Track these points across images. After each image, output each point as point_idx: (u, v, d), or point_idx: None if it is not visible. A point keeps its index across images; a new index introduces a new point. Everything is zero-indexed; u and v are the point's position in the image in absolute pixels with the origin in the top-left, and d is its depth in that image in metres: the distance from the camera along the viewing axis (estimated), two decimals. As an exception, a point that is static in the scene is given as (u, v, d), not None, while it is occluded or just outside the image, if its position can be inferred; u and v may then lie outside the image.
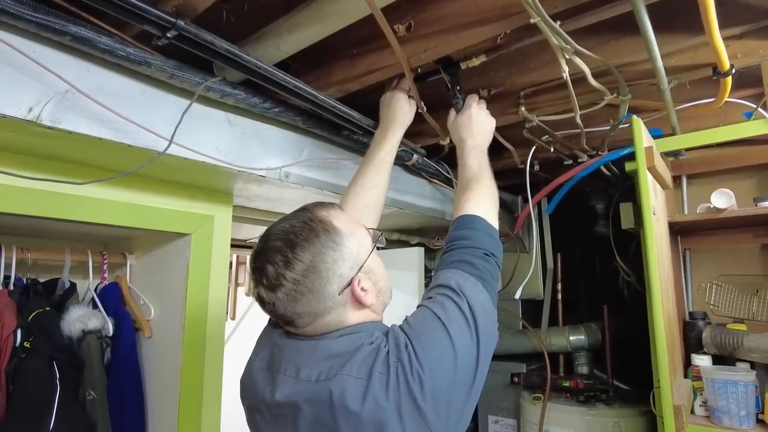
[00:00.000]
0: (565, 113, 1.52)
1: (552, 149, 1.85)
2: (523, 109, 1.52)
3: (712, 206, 1.61)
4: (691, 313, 1.76)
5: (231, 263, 3.81)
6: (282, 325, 0.90)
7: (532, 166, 1.94)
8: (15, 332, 1.26)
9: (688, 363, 1.65)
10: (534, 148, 1.77)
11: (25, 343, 1.26)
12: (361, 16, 1.06)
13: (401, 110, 1.35)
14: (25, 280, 1.40)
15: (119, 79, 1.03)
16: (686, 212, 1.94)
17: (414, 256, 2.27)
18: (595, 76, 1.31)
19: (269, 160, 1.33)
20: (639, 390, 2.03)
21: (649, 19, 1.05)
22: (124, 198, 1.27)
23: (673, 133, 1.67)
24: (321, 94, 1.24)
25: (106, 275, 1.56)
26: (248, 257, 3.70)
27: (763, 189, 1.82)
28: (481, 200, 1.08)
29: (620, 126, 1.56)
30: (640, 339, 1.79)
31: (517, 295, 1.91)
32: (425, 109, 1.44)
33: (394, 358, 0.77)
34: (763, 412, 1.44)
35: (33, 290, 1.40)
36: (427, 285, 2.72)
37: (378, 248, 0.96)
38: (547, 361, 2.17)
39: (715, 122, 1.67)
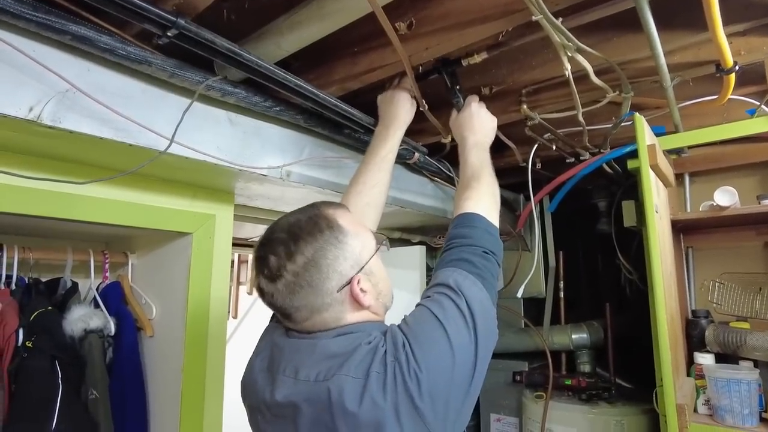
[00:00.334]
0: (567, 111, 1.51)
1: (554, 147, 1.84)
2: (525, 107, 1.51)
3: (715, 204, 1.60)
4: (693, 312, 1.75)
5: (232, 262, 3.81)
6: (281, 320, 0.90)
7: (534, 164, 1.94)
8: (17, 332, 1.26)
9: (690, 361, 1.64)
10: (536, 146, 1.77)
11: (27, 343, 1.26)
12: (363, 14, 1.06)
13: (404, 108, 1.35)
14: (27, 280, 1.40)
15: (120, 79, 1.03)
16: (689, 210, 1.93)
17: (415, 254, 2.27)
18: (597, 73, 1.30)
19: (270, 159, 1.33)
20: (641, 388, 2.03)
21: (652, 16, 1.04)
22: (125, 197, 1.26)
23: (676, 131, 1.66)
24: (322, 93, 1.24)
25: (107, 274, 1.56)
26: (250, 255, 3.71)
27: (766, 186, 1.81)
28: (482, 198, 1.07)
29: (622, 124, 1.56)
30: (643, 337, 1.79)
31: (519, 294, 1.90)
32: (426, 107, 1.44)
33: (391, 358, 0.77)
34: (766, 411, 1.43)
35: (35, 290, 1.40)
36: (428, 284, 2.72)
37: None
38: (549, 360, 2.17)
39: (718, 120, 1.66)
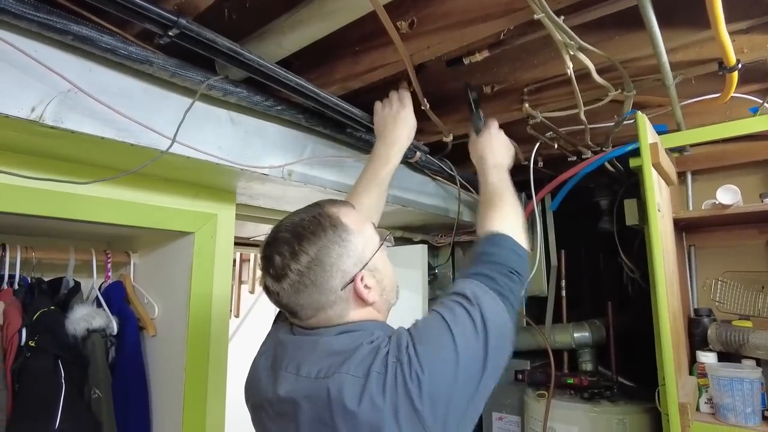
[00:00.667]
0: (569, 110, 1.51)
1: (556, 146, 1.84)
2: (526, 105, 1.51)
3: (717, 202, 1.60)
4: (696, 310, 1.75)
5: (234, 261, 3.82)
6: (288, 317, 0.91)
7: (536, 162, 1.93)
8: (20, 331, 1.26)
9: (693, 360, 1.64)
10: (538, 144, 1.76)
11: (30, 342, 1.26)
12: (364, 12, 1.06)
13: (407, 128, 1.32)
14: (29, 280, 1.40)
15: (121, 78, 1.03)
16: (691, 208, 1.93)
17: (417, 253, 2.27)
18: (599, 71, 1.30)
19: (272, 159, 1.33)
20: (644, 387, 2.02)
21: (655, 14, 1.04)
22: (127, 197, 1.27)
23: (678, 129, 1.66)
24: (323, 92, 1.24)
25: (110, 274, 1.56)
26: (252, 254, 3.71)
27: (768, 185, 1.81)
28: (506, 218, 1.04)
29: (625, 122, 1.55)
30: (645, 336, 1.79)
31: (522, 293, 1.90)
32: (428, 106, 1.44)
33: (393, 359, 0.76)
34: (769, 409, 1.43)
35: (38, 289, 1.40)
36: (430, 282, 2.73)
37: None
38: (551, 358, 2.16)
39: (721, 118, 1.65)
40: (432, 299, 2.68)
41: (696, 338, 1.64)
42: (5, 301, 1.30)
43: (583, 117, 1.49)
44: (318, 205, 0.91)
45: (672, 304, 1.35)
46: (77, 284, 1.49)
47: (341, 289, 0.83)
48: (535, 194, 1.89)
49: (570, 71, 1.21)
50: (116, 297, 1.52)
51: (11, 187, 1.05)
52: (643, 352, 1.86)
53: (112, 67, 1.01)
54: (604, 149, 1.85)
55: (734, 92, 1.41)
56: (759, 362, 1.52)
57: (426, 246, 2.33)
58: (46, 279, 1.45)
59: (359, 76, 1.32)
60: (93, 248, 1.52)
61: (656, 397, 1.54)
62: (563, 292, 2.36)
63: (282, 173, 1.35)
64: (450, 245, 2.53)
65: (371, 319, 0.88)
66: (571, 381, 2.12)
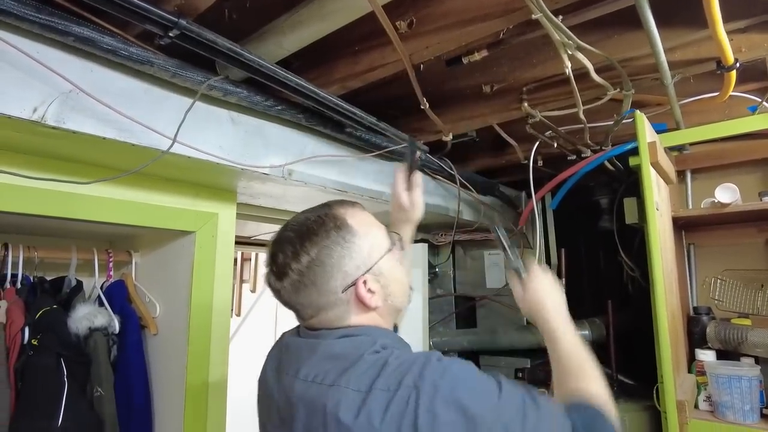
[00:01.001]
0: (568, 108, 1.52)
1: (555, 145, 1.84)
2: (525, 104, 1.52)
3: (716, 201, 1.60)
4: (695, 308, 1.76)
5: (236, 260, 3.83)
6: (295, 317, 0.90)
7: (535, 161, 1.94)
8: (23, 330, 1.27)
9: (692, 358, 1.65)
10: (537, 143, 1.77)
11: (33, 341, 1.27)
12: (363, 13, 1.07)
13: (418, 209, 1.21)
14: (32, 279, 1.41)
15: (122, 79, 1.04)
16: (690, 207, 1.93)
17: (418, 252, 2.27)
18: (598, 71, 1.30)
19: (272, 158, 1.33)
20: (643, 385, 2.03)
21: (653, 14, 1.04)
22: (129, 197, 1.27)
23: (677, 128, 1.66)
24: (322, 92, 1.25)
25: (111, 273, 1.57)
26: (253, 253, 3.72)
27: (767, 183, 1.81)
28: (601, 388, 0.84)
29: (624, 121, 1.56)
30: (645, 334, 1.79)
31: (521, 291, 1.90)
32: (427, 105, 1.44)
33: (410, 382, 0.69)
34: (767, 407, 1.44)
35: (40, 288, 1.41)
36: (431, 281, 2.73)
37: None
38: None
39: (720, 116, 1.66)
40: (432, 298, 2.69)
41: (695, 336, 1.65)
42: (8, 300, 1.31)
43: (582, 116, 1.50)
44: (327, 205, 0.88)
45: (670, 302, 1.35)
46: (79, 283, 1.50)
47: (342, 292, 0.81)
48: (535, 193, 1.90)
49: (568, 70, 1.21)
50: (118, 296, 1.53)
51: (14, 187, 1.05)
52: (643, 350, 1.86)
53: (113, 67, 1.02)
54: (603, 148, 1.85)
55: (733, 91, 1.41)
56: (757, 360, 1.53)
57: (426, 245, 2.33)
58: (48, 278, 1.45)
59: (359, 76, 1.33)
60: (95, 247, 1.52)
61: (654, 395, 1.55)
62: (563, 291, 2.37)
63: (282, 173, 1.36)
64: (450, 244, 2.54)
65: (374, 325, 0.84)
66: (571, 379, 2.13)
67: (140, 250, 1.64)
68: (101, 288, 1.52)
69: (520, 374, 2.34)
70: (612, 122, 1.61)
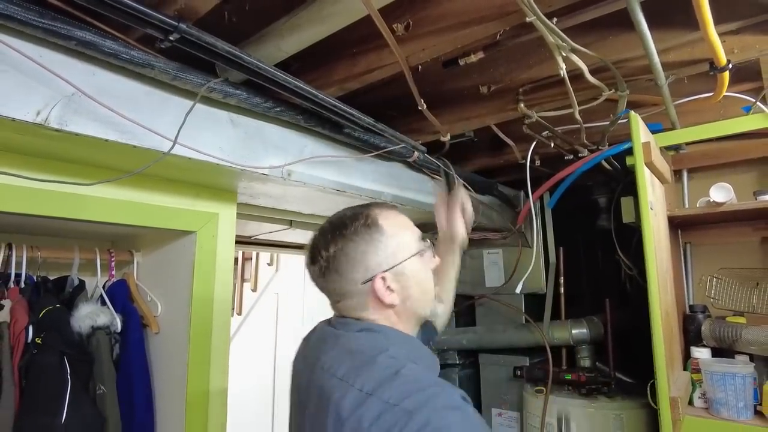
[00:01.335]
0: (564, 109, 1.53)
1: (552, 144, 1.86)
2: (522, 105, 1.53)
3: (711, 200, 1.62)
4: (691, 306, 1.77)
5: (237, 259, 3.85)
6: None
7: (533, 161, 1.96)
8: (27, 328, 1.29)
9: (688, 356, 1.66)
10: (534, 143, 1.79)
11: (36, 339, 1.29)
12: (361, 16, 1.08)
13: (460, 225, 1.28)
14: (35, 278, 1.43)
15: (124, 82, 1.06)
16: (687, 206, 1.94)
17: (417, 251, 2.29)
18: (594, 71, 1.32)
19: (272, 159, 1.35)
20: (641, 383, 2.04)
21: (647, 15, 1.06)
22: (130, 197, 1.29)
23: (673, 128, 1.68)
24: (321, 93, 1.26)
25: (114, 273, 1.59)
26: (254, 252, 3.74)
27: (763, 182, 1.83)
28: None
29: (619, 121, 1.57)
30: (643, 332, 1.81)
31: (518, 290, 1.93)
32: (425, 106, 1.46)
33: (410, 406, 0.69)
34: (761, 404, 1.45)
35: (43, 288, 1.43)
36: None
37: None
38: (549, 354, 2.19)
39: (715, 116, 1.67)
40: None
41: (691, 334, 1.67)
42: (12, 299, 1.33)
43: (578, 116, 1.51)
44: (366, 205, 0.95)
45: (664, 300, 1.37)
46: (82, 283, 1.52)
47: (362, 283, 0.86)
48: (533, 193, 1.92)
49: (563, 72, 1.23)
50: (120, 295, 1.55)
51: (18, 188, 1.07)
52: (641, 349, 1.88)
53: (114, 70, 1.04)
54: (600, 148, 1.87)
55: (728, 91, 1.43)
56: (752, 358, 1.55)
57: (425, 244, 2.35)
58: (51, 278, 1.48)
59: (357, 78, 1.35)
60: (97, 247, 1.54)
61: (648, 392, 1.56)
62: (561, 289, 2.39)
63: (282, 173, 1.38)
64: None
65: (391, 326, 0.88)
66: (569, 377, 2.15)
67: (142, 250, 1.66)
68: (103, 287, 1.54)
69: (519, 372, 2.36)
70: (608, 122, 1.63)
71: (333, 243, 0.88)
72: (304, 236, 2.50)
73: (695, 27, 1.12)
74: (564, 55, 1.16)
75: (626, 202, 1.98)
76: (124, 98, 1.04)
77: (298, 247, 2.85)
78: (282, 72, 1.16)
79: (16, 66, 0.90)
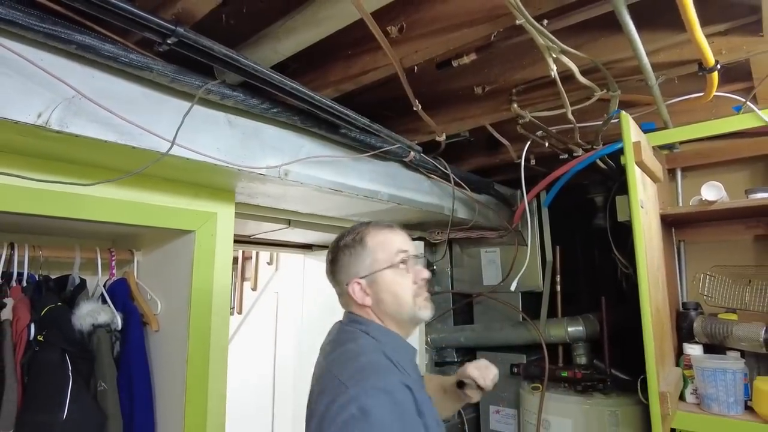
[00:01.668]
0: (557, 109, 1.55)
1: (547, 144, 1.88)
2: (515, 105, 1.55)
3: (702, 199, 1.64)
4: (684, 304, 1.79)
5: (237, 259, 3.88)
6: None
7: (528, 160, 1.97)
8: (29, 326, 1.32)
9: (681, 353, 1.68)
10: (528, 143, 1.81)
11: (38, 337, 1.31)
12: (355, 18, 1.11)
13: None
14: (37, 277, 1.45)
15: (123, 84, 1.08)
16: (681, 204, 1.96)
17: (414, 250, 2.31)
18: (586, 72, 1.34)
19: (269, 159, 1.37)
20: (637, 379, 2.06)
21: (636, 17, 1.08)
22: (130, 197, 1.32)
23: (666, 127, 1.70)
24: (317, 95, 1.29)
25: (114, 272, 1.61)
26: (254, 252, 3.77)
27: (756, 181, 1.84)
28: None
29: (612, 121, 1.59)
30: (638, 330, 1.82)
31: (513, 287, 1.95)
32: (420, 107, 1.48)
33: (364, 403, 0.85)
34: (751, 399, 1.47)
35: (45, 286, 1.45)
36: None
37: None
38: (545, 352, 2.21)
39: (707, 116, 1.69)
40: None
41: (683, 331, 1.69)
42: (14, 297, 1.36)
43: (570, 116, 1.53)
44: (367, 223, 1.14)
45: (655, 296, 1.39)
46: (83, 281, 1.54)
47: (345, 285, 1.09)
48: (528, 192, 1.94)
49: (554, 73, 1.25)
50: (121, 293, 1.57)
51: (20, 188, 1.10)
52: (636, 346, 1.90)
53: (114, 73, 1.06)
54: (594, 147, 1.89)
55: (719, 91, 1.45)
56: (743, 354, 1.57)
57: (423, 243, 2.37)
58: (53, 276, 1.50)
59: (352, 79, 1.37)
60: (98, 247, 1.57)
61: (638, 387, 1.58)
62: (558, 288, 2.41)
63: (279, 173, 1.40)
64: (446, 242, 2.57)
65: (372, 320, 1.07)
66: (565, 374, 2.17)
67: (142, 249, 1.69)
68: (104, 286, 1.57)
69: (515, 369, 2.38)
70: (601, 122, 1.65)
71: (333, 251, 1.13)
72: (303, 235, 2.53)
73: (683, 28, 1.14)
74: (554, 56, 1.18)
75: (621, 201, 1.99)
76: (123, 100, 1.07)
77: (297, 246, 2.88)
78: (278, 74, 1.18)
79: (17, 69, 0.92)
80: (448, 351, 2.76)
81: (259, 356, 3.46)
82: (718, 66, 1.25)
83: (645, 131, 1.63)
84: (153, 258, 1.65)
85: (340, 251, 1.10)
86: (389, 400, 0.85)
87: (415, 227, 2.50)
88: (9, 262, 1.38)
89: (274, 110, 1.34)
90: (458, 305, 2.75)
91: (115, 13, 0.91)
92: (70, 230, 1.55)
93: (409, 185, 1.91)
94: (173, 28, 0.98)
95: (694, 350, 1.60)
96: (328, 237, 1.96)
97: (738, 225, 1.80)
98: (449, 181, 1.98)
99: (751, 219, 1.77)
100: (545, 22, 1.15)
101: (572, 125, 1.65)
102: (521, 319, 2.50)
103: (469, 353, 2.78)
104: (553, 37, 1.10)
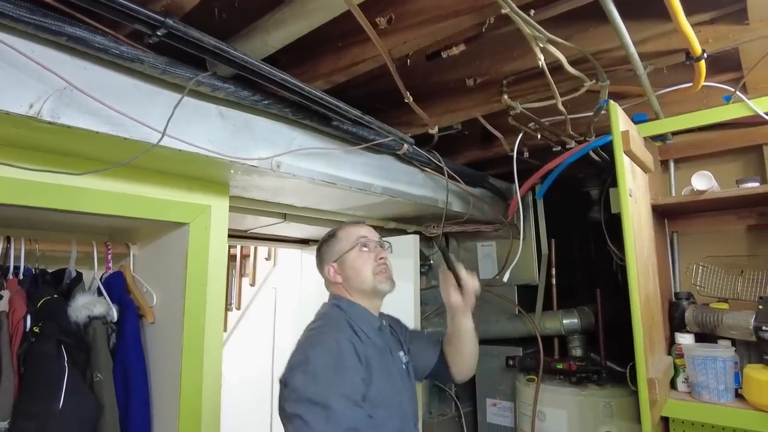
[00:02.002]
0: (547, 100, 1.56)
1: (539, 136, 1.89)
2: (505, 96, 1.56)
3: (693, 189, 1.65)
4: (676, 294, 1.80)
5: (235, 255, 3.89)
6: None
7: (521, 153, 1.98)
8: (25, 318, 1.33)
9: (673, 342, 1.69)
10: (521, 135, 1.82)
11: (34, 328, 1.33)
12: (343, 10, 1.12)
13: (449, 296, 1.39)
14: (33, 270, 1.47)
15: (114, 76, 1.09)
16: (673, 195, 1.97)
17: (410, 243, 2.33)
18: (574, 63, 1.35)
19: (261, 151, 1.38)
20: (631, 371, 2.07)
21: (623, 6, 1.09)
22: (124, 189, 1.33)
23: (657, 118, 1.71)
24: (307, 86, 1.30)
25: (110, 265, 1.63)
26: (252, 247, 3.78)
27: (748, 171, 1.85)
28: None
29: (602, 112, 1.60)
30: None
31: (505, 279, 1.96)
32: (411, 99, 1.49)
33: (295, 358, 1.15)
34: (742, 387, 1.48)
35: (41, 279, 1.46)
36: (426, 273, 2.79)
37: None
38: (540, 344, 2.22)
39: (698, 106, 1.70)
40: (427, 289, 2.75)
41: (675, 320, 1.69)
42: (11, 290, 1.37)
43: (561, 107, 1.54)
44: (345, 222, 1.42)
45: (644, 285, 1.40)
46: (79, 275, 1.55)
47: (324, 270, 1.36)
48: (521, 185, 1.95)
49: (542, 63, 1.26)
50: (117, 286, 1.59)
51: (15, 180, 1.11)
52: (629, 337, 1.91)
53: (105, 65, 1.08)
54: (587, 139, 1.89)
55: (709, 81, 1.46)
56: (734, 342, 1.58)
57: (418, 236, 2.38)
58: (49, 270, 1.52)
59: (343, 71, 1.38)
60: (94, 240, 1.58)
61: (628, 374, 1.59)
62: (553, 280, 2.42)
63: (270, 165, 1.41)
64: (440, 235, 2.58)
65: (344, 296, 1.31)
66: (560, 366, 2.18)
67: (138, 243, 1.70)
68: (100, 279, 1.58)
69: (511, 362, 2.39)
70: (592, 113, 1.66)
71: (318, 247, 1.40)
72: (300, 230, 2.54)
73: (670, 17, 1.15)
74: (541, 46, 1.19)
75: (614, 193, 2.00)
76: (114, 92, 1.08)
77: (294, 241, 2.89)
78: (268, 65, 1.19)
79: (9, 61, 0.93)
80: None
81: (257, 351, 3.48)
82: (705, 55, 1.26)
83: (636, 122, 1.64)
84: (148, 251, 1.67)
85: (322, 245, 1.38)
86: (328, 349, 1.10)
87: (410, 221, 2.51)
88: (5, 255, 1.39)
89: (266, 102, 1.35)
90: (455, 299, 2.75)
91: (105, 5, 0.92)
92: (66, 224, 1.57)
93: (402, 178, 1.92)
94: (162, 19, 0.99)
95: (685, 339, 1.61)
96: (324, 231, 1.97)
97: (730, 215, 1.81)
98: (443, 174, 1.99)
99: (743, 209, 1.78)
100: (532, 12, 1.16)
101: (564, 117, 1.66)
102: (517, 312, 2.52)
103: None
104: (539, 27, 1.11)
